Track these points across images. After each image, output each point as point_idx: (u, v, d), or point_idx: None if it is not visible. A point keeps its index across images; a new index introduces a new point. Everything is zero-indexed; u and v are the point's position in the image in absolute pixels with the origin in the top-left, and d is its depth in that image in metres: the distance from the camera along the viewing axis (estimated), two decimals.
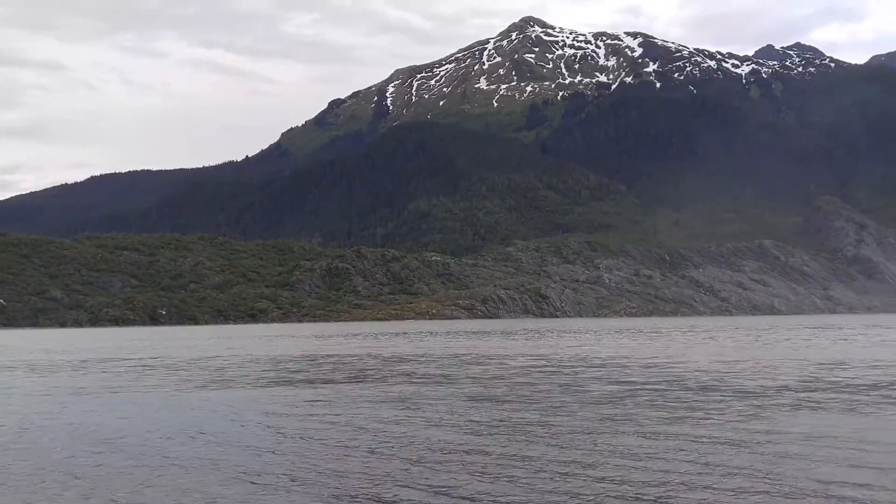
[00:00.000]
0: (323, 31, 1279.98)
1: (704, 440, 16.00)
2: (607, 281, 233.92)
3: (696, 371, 32.39)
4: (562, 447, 15.55)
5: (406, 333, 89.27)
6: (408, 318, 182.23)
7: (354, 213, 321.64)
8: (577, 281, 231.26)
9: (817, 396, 23.11)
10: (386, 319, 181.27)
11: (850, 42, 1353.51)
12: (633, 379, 29.36)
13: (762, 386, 26.33)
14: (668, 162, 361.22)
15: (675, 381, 28.38)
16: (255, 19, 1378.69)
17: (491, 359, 41.76)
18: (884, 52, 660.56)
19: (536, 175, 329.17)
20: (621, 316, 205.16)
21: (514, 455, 14.85)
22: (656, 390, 25.25)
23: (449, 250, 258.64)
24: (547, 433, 17.15)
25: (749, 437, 16.23)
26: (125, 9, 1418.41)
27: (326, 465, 14.51)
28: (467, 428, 18.02)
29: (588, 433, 17.05)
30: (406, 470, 13.88)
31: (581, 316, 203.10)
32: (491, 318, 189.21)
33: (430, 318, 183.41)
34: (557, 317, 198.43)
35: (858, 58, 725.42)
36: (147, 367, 39.37)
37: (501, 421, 19.04)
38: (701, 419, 18.80)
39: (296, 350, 55.14)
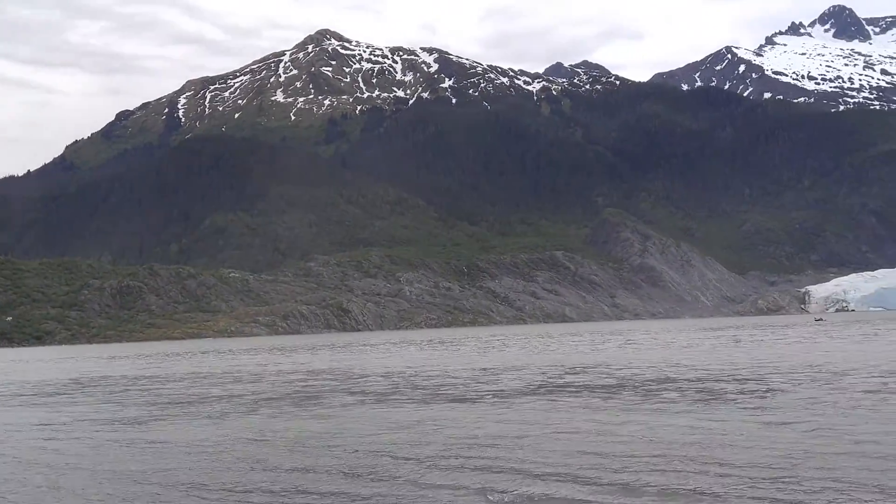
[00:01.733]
0: (112, 41, 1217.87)
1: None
2: (408, 294, 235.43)
3: (437, 376, 32.53)
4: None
5: (195, 353, 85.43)
6: (206, 337, 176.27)
7: (146, 230, 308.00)
8: (378, 294, 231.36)
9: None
10: (182, 338, 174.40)
11: (633, 61, 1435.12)
12: (364, 388, 30.07)
13: (476, 391, 27.27)
14: (465, 176, 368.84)
15: (395, 387, 29.64)
16: (37, 27, 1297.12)
17: (259, 376, 40.66)
18: (665, 70, 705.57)
19: (336, 189, 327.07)
20: (422, 327, 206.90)
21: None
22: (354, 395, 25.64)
23: (247, 266, 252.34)
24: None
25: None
26: None
27: None
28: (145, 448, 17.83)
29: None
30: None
31: (383, 329, 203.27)
32: (292, 333, 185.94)
33: (230, 336, 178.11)
34: (360, 330, 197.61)
35: (641, 76, 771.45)
36: None
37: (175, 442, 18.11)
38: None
39: (67, 373, 51.04)
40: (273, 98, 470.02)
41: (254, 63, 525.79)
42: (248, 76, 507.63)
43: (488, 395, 25.71)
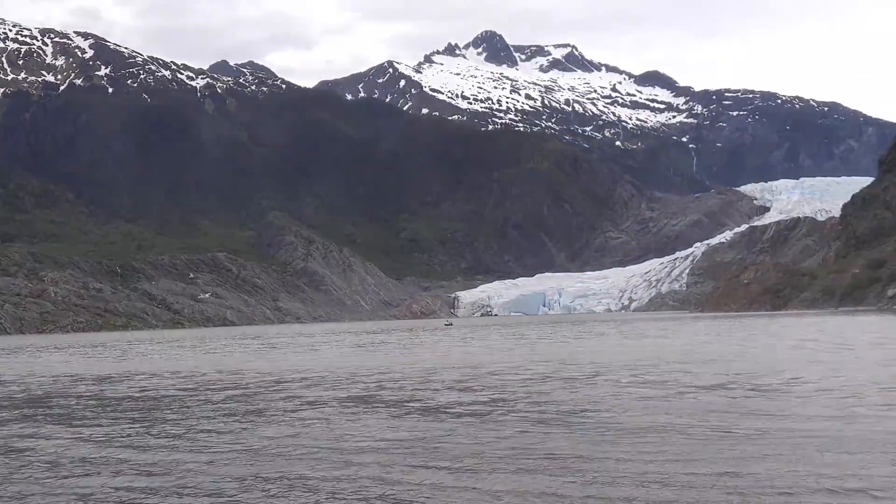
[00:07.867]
0: None
1: None
2: (53, 295, 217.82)
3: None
4: None
5: None
6: None
7: None
8: (18, 295, 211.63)
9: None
10: None
11: (300, 68, 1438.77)
12: None
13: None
14: (121, 170, 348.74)
15: None
16: None
17: None
18: (331, 78, 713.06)
19: None
20: (68, 332, 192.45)
21: None
22: None
23: None
24: None
25: None
26: None
27: None
28: None
29: None
30: None
31: (23, 333, 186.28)
32: None
33: None
34: None
35: (308, 82, 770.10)
36: None
37: None
38: None
39: None
40: None
41: None
42: None
43: None
